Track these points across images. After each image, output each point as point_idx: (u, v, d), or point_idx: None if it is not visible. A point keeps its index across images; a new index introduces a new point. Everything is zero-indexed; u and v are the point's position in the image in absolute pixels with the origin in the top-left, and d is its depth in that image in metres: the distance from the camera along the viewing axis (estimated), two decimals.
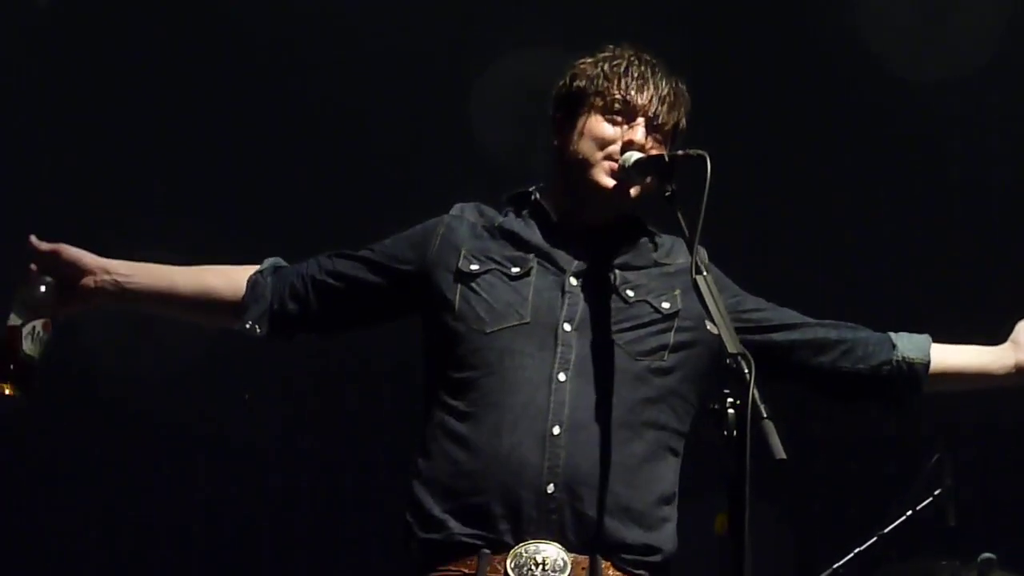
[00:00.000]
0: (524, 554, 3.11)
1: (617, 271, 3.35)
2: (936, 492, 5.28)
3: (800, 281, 6.54)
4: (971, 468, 5.89)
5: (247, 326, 3.43)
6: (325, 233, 6.20)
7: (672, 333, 3.31)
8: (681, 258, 3.40)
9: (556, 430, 3.15)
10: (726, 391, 2.89)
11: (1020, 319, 3.63)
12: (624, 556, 3.17)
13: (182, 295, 3.43)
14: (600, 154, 3.34)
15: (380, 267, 3.43)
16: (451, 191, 3.30)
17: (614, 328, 3.27)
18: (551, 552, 3.11)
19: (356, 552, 6.49)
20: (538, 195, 3.46)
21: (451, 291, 3.31)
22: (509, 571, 3.10)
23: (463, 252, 3.36)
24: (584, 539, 3.13)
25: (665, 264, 3.41)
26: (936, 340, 3.60)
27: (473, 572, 3.12)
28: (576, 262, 3.34)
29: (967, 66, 6.20)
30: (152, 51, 6.34)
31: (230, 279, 3.45)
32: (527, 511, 3.11)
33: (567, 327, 3.24)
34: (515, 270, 3.31)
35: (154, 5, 6.35)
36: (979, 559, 5.18)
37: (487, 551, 3.12)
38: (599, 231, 3.40)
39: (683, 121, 3.43)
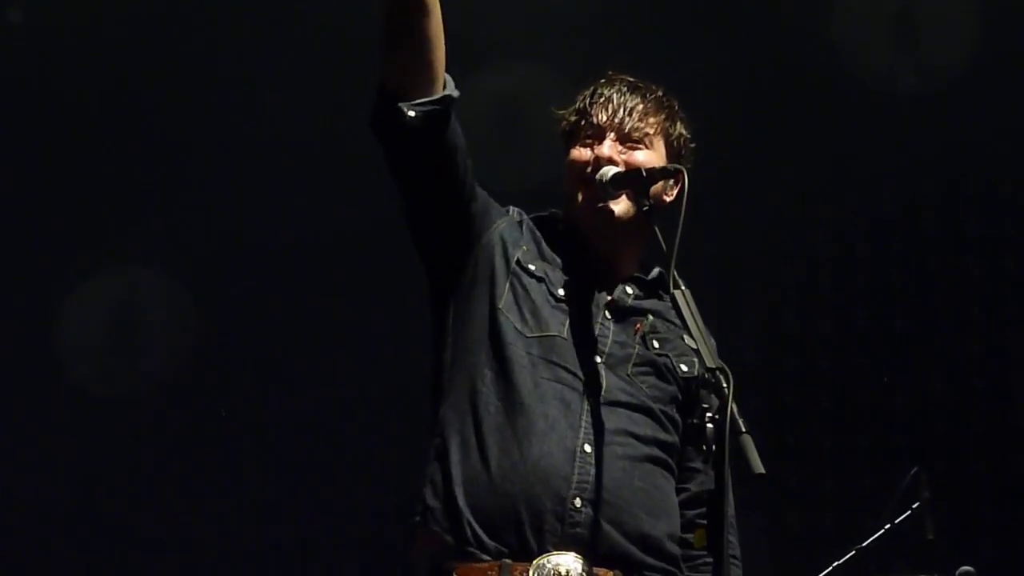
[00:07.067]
0: (547, 565, 3.10)
1: (650, 316, 3.37)
2: (914, 506, 5.29)
3: (775, 289, 6.61)
4: (948, 481, 5.91)
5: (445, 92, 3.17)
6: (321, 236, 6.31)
7: (681, 393, 3.33)
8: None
9: (587, 447, 3.16)
10: (704, 406, 2.91)
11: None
12: (645, 573, 3.18)
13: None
14: (578, 181, 3.37)
15: (472, 187, 3.30)
16: None
17: (641, 371, 3.30)
18: (574, 565, 3.10)
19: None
20: (563, 225, 3.46)
21: (502, 276, 3.29)
22: None
23: (523, 248, 3.35)
24: (606, 556, 3.13)
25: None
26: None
27: None
28: (613, 299, 3.36)
29: (941, 79, 6.24)
30: (128, 62, 6.33)
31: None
32: (551, 522, 3.11)
33: (598, 359, 3.26)
34: (560, 292, 3.32)
35: (128, 18, 6.32)
36: (958, 573, 5.19)
37: (508, 560, 3.10)
38: (629, 279, 3.41)
39: (673, 129, 3.44)
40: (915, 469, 5.28)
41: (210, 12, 6.36)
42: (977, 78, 6.28)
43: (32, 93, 6.32)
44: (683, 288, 3.06)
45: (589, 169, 3.35)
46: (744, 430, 2.81)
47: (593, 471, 3.13)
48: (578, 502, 3.12)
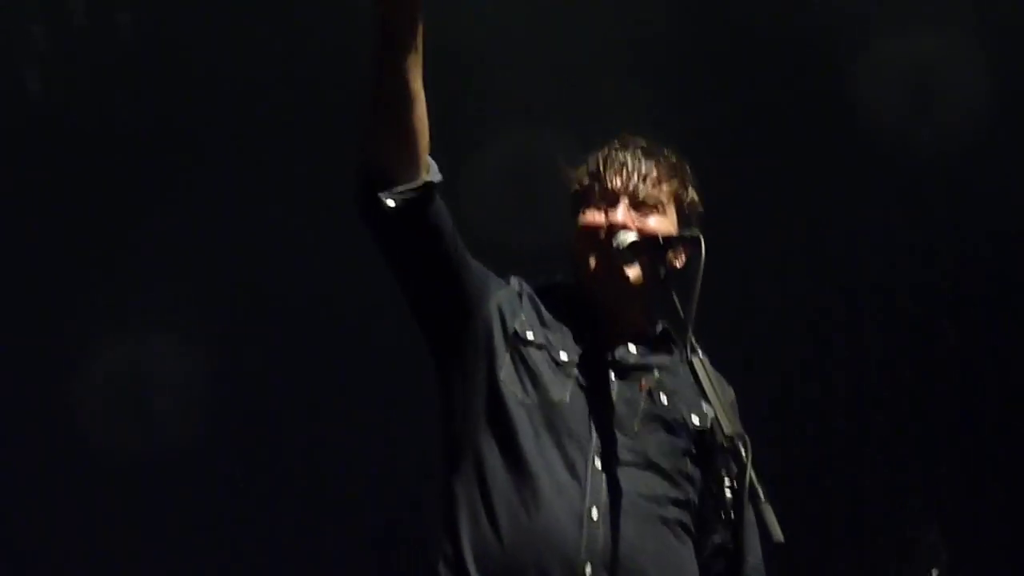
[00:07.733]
0: None
1: (656, 371, 3.38)
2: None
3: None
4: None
5: (427, 178, 3.14)
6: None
7: (695, 446, 3.33)
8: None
9: (594, 512, 3.15)
10: (723, 472, 2.91)
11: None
12: None
13: (414, 68, 3.04)
14: (589, 244, 3.39)
15: (464, 263, 3.31)
16: None
17: (648, 428, 3.30)
18: None
19: None
20: (566, 289, 3.47)
21: (501, 347, 3.30)
22: None
23: (522, 318, 3.35)
24: None
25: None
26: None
27: None
28: (615, 358, 3.36)
29: (956, 142, 6.25)
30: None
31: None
32: None
33: (603, 420, 3.26)
34: (562, 356, 3.32)
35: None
36: None
37: None
38: (633, 336, 3.42)
39: (685, 195, 3.45)
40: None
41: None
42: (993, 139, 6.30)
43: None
44: (700, 354, 3.07)
45: (603, 234, 3.36)
46: (763, 498, 2.80)
47: (602, 535, 3.12)
48: (588, 568, 3.10)
